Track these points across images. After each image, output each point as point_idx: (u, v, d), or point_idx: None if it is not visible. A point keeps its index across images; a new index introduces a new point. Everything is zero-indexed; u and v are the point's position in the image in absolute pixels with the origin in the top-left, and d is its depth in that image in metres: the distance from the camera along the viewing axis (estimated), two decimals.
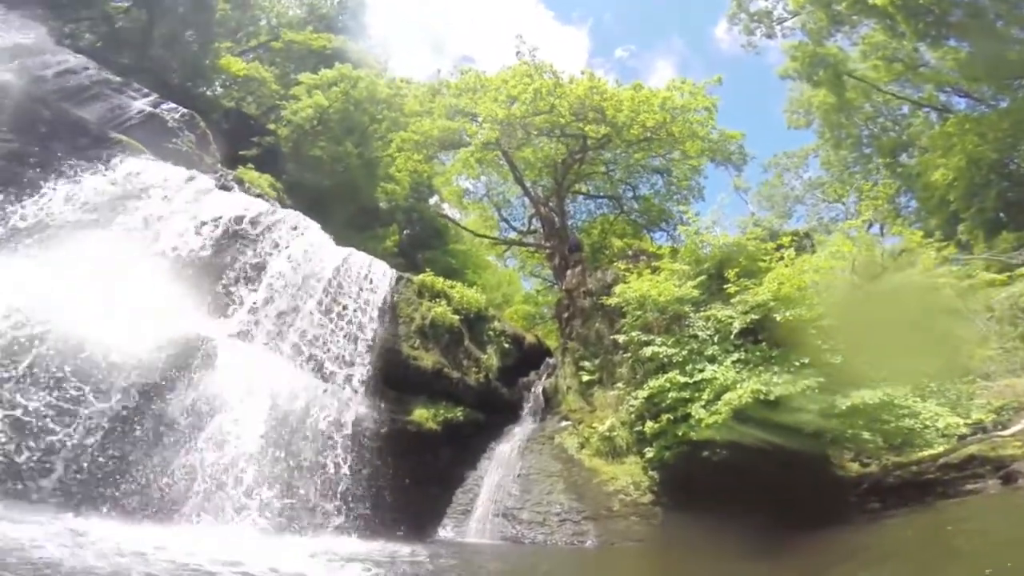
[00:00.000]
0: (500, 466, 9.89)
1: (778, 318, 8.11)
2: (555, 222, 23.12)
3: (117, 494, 5.50)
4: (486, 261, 32.50)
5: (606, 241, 25.33)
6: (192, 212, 8.65)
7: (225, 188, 10.95)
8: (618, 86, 20.85)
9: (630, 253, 15.50)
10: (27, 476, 5.06)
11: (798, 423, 7.06)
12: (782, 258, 9.66)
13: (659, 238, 25.16)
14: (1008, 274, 10.35)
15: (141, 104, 11.76)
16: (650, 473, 8.81)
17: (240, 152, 18.60)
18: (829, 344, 8.15)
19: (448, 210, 32.49)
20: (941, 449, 7.55)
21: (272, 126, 22.08)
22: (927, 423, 7.40)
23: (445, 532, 9.02)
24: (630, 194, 25.21)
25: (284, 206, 16.54)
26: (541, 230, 25.11)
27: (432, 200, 32.06)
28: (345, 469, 7.78)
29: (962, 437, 7.68)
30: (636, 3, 71.07)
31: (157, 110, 11.93)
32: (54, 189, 7.78)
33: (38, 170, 7.90)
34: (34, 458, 5.15)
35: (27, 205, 7.48)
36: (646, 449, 8.78)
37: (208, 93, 22.47)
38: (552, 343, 16.76)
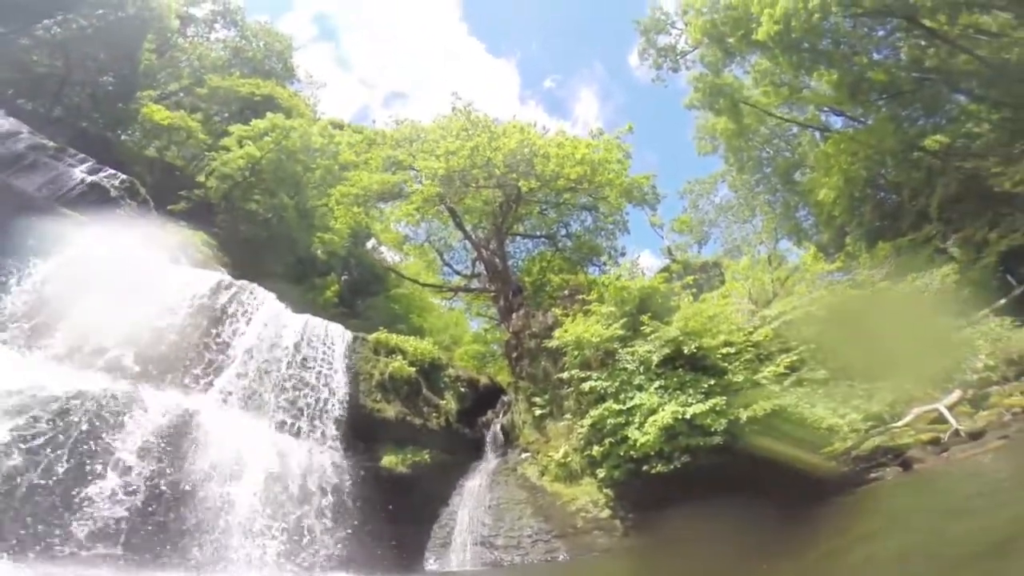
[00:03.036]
0: (471, 500, 10.82)
1: (685, 350, 9.78)
2: (497, 265, 24.42)
3: (127, 553, 5.88)
4: (430, 304, 32.42)
5: (545, 278, 27.02)
6: (151, 292, 9.00)
7: (174, 260, 11.22)
8: (544, 132, 22.80)
9: (566, 292, 17.10)
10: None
11: (713, 434, 8.61)
12: (688, 297, 11.52)
13: (592, 271, 27.36)
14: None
15: (80, 173, 11.51)
16: (605, 491, 10.05)
17: (168, 207, 17.77)
18: (732, 366, 9.89)
19: (387, 253, 32.47)
20: (849, 443, 8.96)
21: (201, 178, 21.50)
22: (815, 425, 8.88)
23: (430, 565, 9.84)
24: (563, 231, 27.16)
25: (221, 264, 16.55)
26: (484, 272, 26.36)
27: (369, 244, 31.85)
28: (331, 516, 8.48)
29: (867, 431, 8.93)
30: (559, 33, 77.01)
31: (97, 178, 11.67)
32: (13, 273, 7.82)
33: None
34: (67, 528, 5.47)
35: None
36: (598, 470, 10.08)
37: (128, 142, 21.54)
38: (504, 378, 17.77)
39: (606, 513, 9.79)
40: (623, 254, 27.81)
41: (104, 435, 6.12)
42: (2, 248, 7.96)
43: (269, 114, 22.16)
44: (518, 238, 27.40)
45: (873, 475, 8.56)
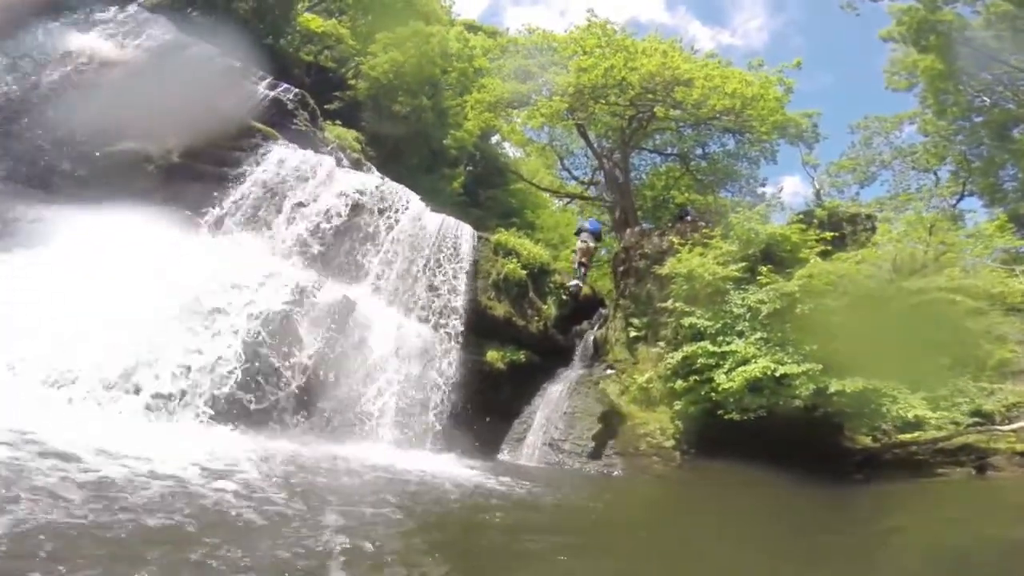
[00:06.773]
0: (550, 403, 11.83)
1: (797, 310, 9.53)
2: (617, 177, 23.91)
3: (306, 422, 8.10)
4: (544, 200, 33.01)
5: (669, 194, 25.86)
6: (325, 193, 10.88)
7: (338, 162, 12.97)
8: (692, 52, 20.34)
9: (688, 219, 16.49)
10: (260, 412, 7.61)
11: (795, 398, 8.78)
12: (823, 251, 10.77)
13: (725, 195, 25.38)
14: None
15: (262, 89, 12.61)
16: (676, 423, 10.65)
17: (324, 106, 20.25)
18: (843, 334, 9.52)
19: (510, 149, 33.15)
20: (942, 433, 8.73)
21: (350, 80, 23.44)
22: (902, 412, 8.53)
23: (503, 456, 11.26)
24: (699, 151, 25.19)
25: (367, 158, 18.63)
26: (603, 181, 25.95)
27: (494, 139, 32.71)
28: (443, 401, 10.18)
29: (970, 426, 8.65)
30: None
31: (276, 93, 12.72)
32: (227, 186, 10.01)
33: (206, 164, 9.99)
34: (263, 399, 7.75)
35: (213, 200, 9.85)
36: (675, 402, 10.63)
37: (288, 47, 23.85)
38: (603, 286, 18.14)
39: (670, 443, 10.38)
40: (763, 184, 25.32)
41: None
42: (212, 156, 10.08)
43: (411, 22, 22.80)
44: (645, 152, 26.06)
45: (941, 471, 8.36)
